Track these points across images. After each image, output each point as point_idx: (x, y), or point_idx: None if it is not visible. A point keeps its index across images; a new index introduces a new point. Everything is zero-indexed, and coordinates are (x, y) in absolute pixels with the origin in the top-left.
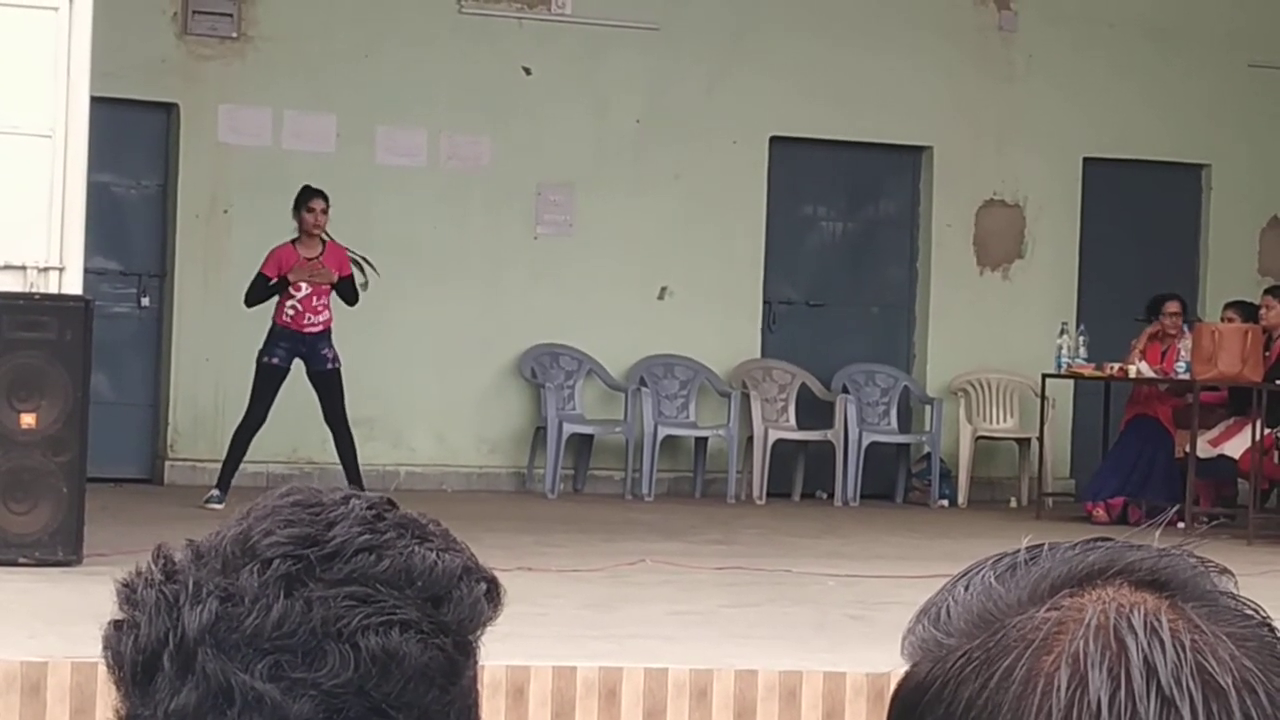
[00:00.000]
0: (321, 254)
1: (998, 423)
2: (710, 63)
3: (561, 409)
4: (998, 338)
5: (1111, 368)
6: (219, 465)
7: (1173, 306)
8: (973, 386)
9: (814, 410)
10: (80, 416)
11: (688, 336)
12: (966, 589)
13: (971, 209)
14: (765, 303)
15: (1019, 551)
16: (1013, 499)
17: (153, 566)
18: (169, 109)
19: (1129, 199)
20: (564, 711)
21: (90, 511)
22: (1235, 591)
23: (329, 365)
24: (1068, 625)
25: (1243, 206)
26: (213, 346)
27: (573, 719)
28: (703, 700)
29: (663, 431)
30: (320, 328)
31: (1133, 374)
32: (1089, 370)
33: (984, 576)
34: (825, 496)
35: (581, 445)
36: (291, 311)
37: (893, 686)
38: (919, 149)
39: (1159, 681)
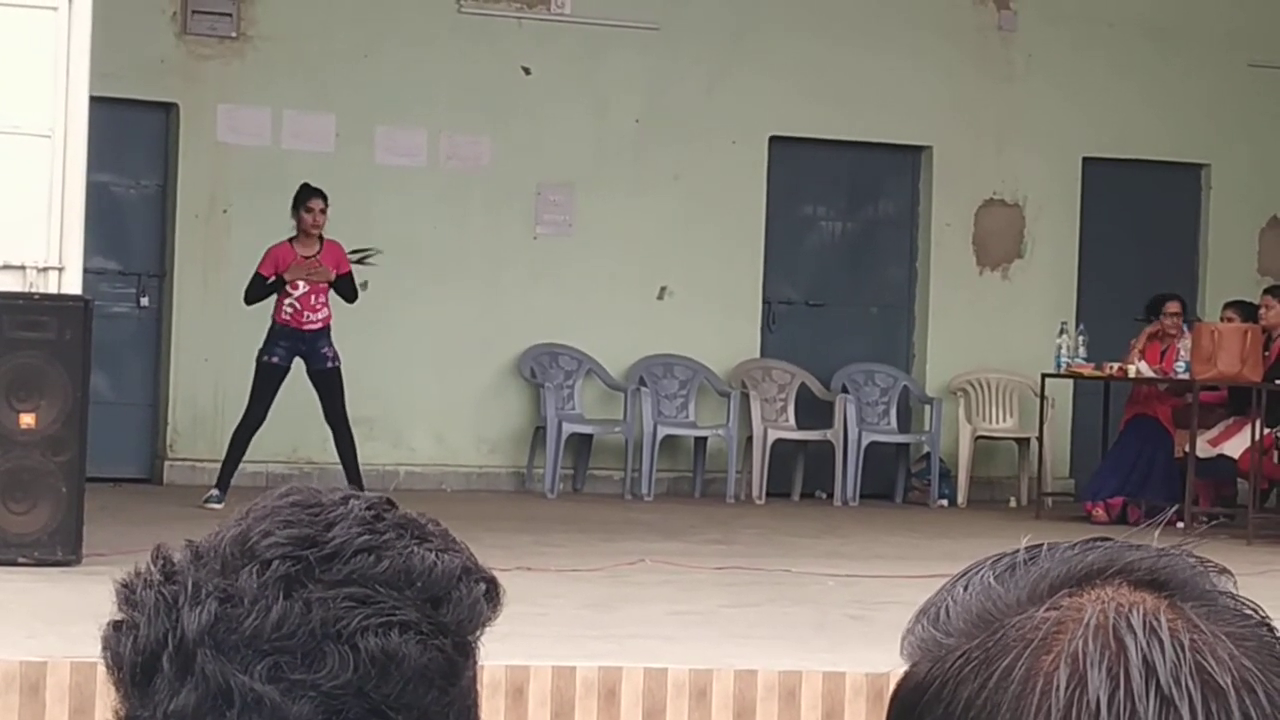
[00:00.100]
0: (319, 252)
1: (997, 422)
2: (710, 63)
3: (561, 409)
4: (997, 337)
5: (1111, 367)
6: (218, 465)
7: (1173, 306)
8: (972, 386)
9: (813, 410)
10: (80, 416)
11: (687, 336)
12: (965, 589)
13: (971, 209)
14: (765, 302)
15: (1018, 551)
16: (1012, 499)
17: (152, 567)
18: (168, 109)
19: (1128, 199)
20: (563, 711)
21: (89, 511)
22: (1234, 591)
23: (329, 364)
24: (1067, 625)
25: (1242, 206)
26: (212, 346)
27: (572, 719)
28: (702, 700)
29: (662, 431)
30: (319, 325)
31: (1132, 374)
32: (1088, 370)
33: (983, 576)
34: (825, 496)
35: (581, 445)
36: (290, 309)
37: (892, 686)
38: (918, 149)
39: (1158, 681)
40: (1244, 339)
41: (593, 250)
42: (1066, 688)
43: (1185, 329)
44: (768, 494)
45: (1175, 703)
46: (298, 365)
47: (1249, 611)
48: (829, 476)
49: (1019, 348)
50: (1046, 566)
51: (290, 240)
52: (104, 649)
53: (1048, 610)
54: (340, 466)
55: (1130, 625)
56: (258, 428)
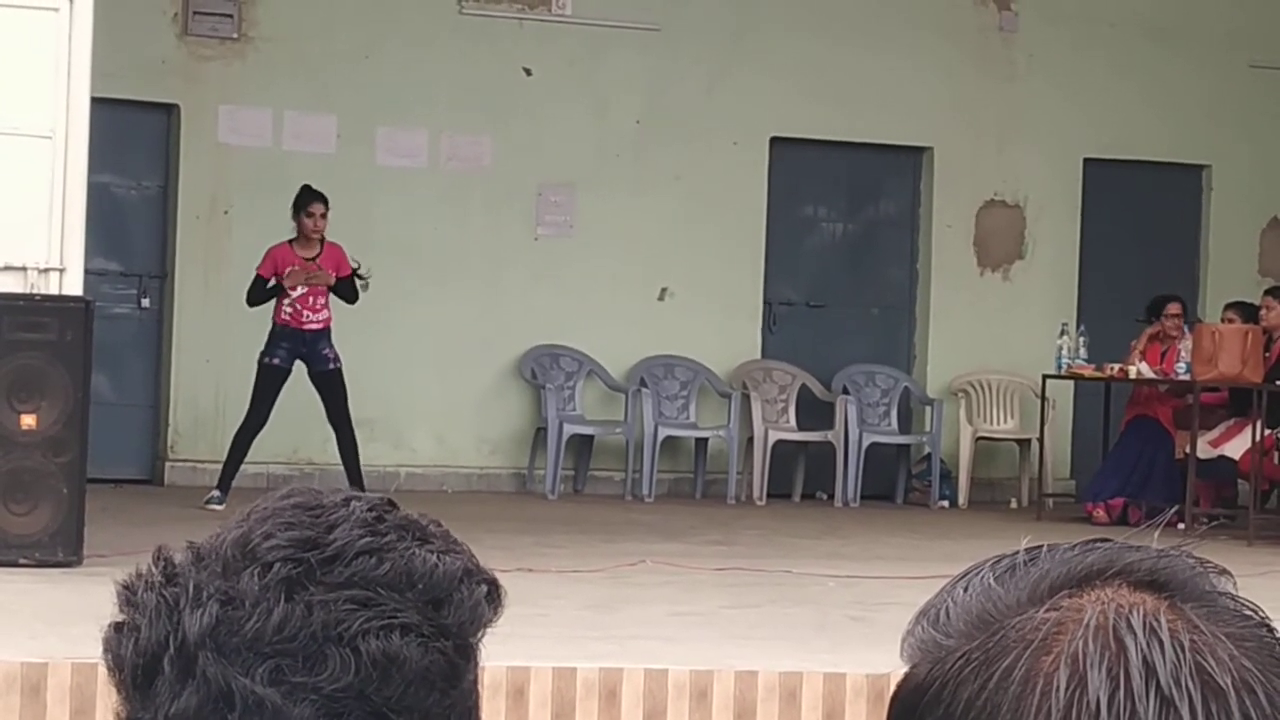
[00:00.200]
0: (319, 254)
1: (998, 423)
2: (710, 63)
3: (562, 410)
4: (998, 338)
5: (1112, 368)
6: (219, 466)
7: (1174, 308)
8: (973, 387)
9: (814, 411)
10: (80, 417)
11: (688, 337)
12: (965, 590)
13: (972, 209)
14: (765, 303)
15: (1018, 553)
16: (1013, 500)
17: (153, 569)
18: (169, 110)
19: (1129, 199)
20: (564, 712)
21: (90, 512)
22: (1234, 592)
23: (330, 365)
24: (1067, 626)
25: (1243, 207)
26: (213, 347)
27: None
28: (703, 701)
29: (663, 432)
30: (320, 325)
31: (1133, 375)
32: (1089, 371)
33: (983, 578)
34: (825, 497)
35: (582, 446)
36: (290, 309)
37: (893, 688)
38: (919, 149)
39: (1158, 682)
40: (1245, 340)
41: (593, 251)
42: (1067, 688)
43: (1186, 330)
44: (768, 495)
45: (1175, 703)
46: (299, 367)
47: (1249, 612)
48: (830, 477)
49: (1020, 349)
50: (1046, 567)
51: (290, 241)
52: (105, 651)
53: (1048, 611)
54: (341, 467)
55: (1130, 626)
56: (259, 429)
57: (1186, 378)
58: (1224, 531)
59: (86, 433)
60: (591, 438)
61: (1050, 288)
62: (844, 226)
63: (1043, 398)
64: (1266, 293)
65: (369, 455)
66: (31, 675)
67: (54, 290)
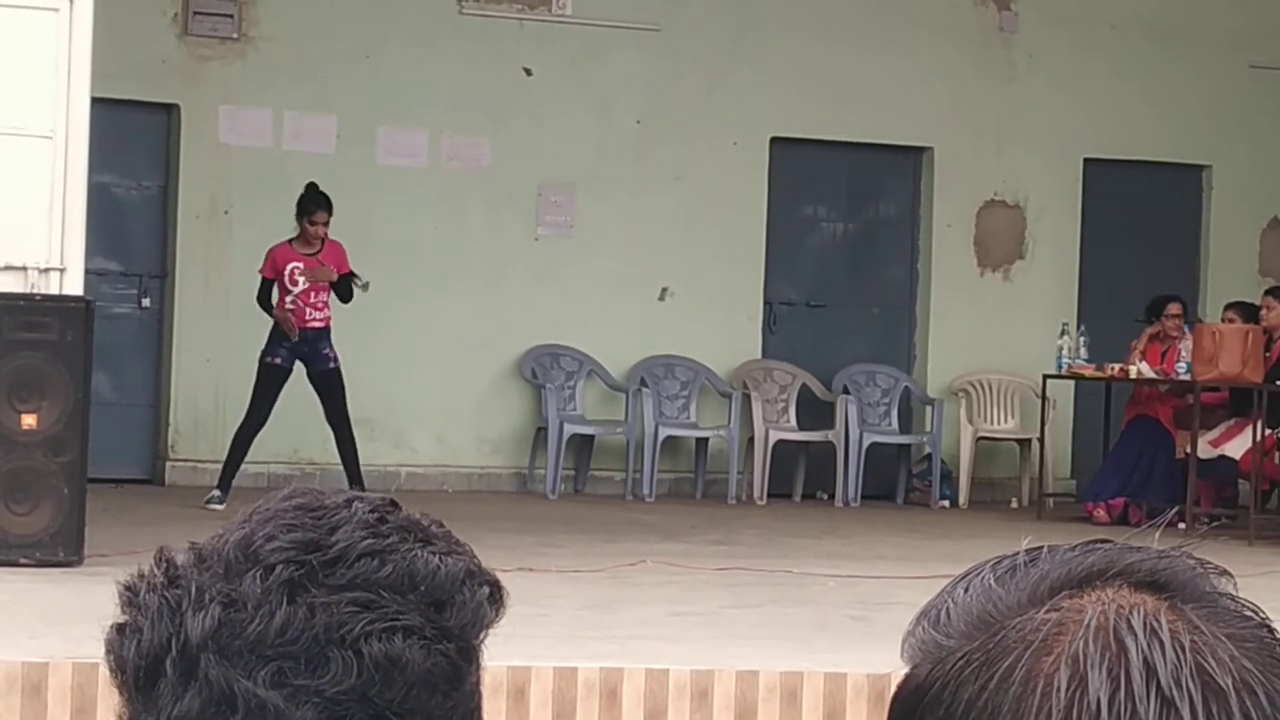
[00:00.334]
0: (319, 251)
1: (998, 423)
2: (710, 63)
3: (562, 409)
4: (998, 338)
5: (1112, 368)
6: (220, 466)
7: (1174, 308)
8: (973, 387)
9: (815, 411)
10: (81, 417)
11: (688, 337)
12: (966, 591)
13: (972, 210)
14: (766, 303)
15: (1018, 553)
16: (1014, 500)
17: (155, 570)
18: (169, 110)
19: (1129, 200)
20: (565, 712)
21: (91, 512)
22: (1234, 593)
23: (329, 365)
24: (1067, 626)
25: (1243, 207)
26: (213, 347)
27: None
28: (704, 701)
29: (663, 432)
30: (320, 324)
31: (1133, 375)
32: (1089, 371)
33: (983, 578)
34: (826, 497)
35: (582, 446)
36: (290, 307)
37: (893, 687)
38: (919, 150)
39: (1159, 682)
40: (1245, 340)
41: (594, 251)
42: (1067, 689)
43: (1186, 330)
44: (769, 495)
45: (1176, 704)
46: (299, 366)
47: (1249, 613)
48: (830, 477)
49: (1020, 349)
50: (1047, 568)
51: (290, 241)
52: (107, 652)
53: (1048, 612)
54: (342, 467)
55: (1131, 627)
56: (259, 429)
57: (1187, 378)
58: (1225, 531)
59: (87, 432)
60: (592, 437)
61: (1050, 288)
62: (844, 226)
63: (1043, 397)
64: (1267, 293)
65: (369, 455)
66: (32, 675)
67: (54, 290)
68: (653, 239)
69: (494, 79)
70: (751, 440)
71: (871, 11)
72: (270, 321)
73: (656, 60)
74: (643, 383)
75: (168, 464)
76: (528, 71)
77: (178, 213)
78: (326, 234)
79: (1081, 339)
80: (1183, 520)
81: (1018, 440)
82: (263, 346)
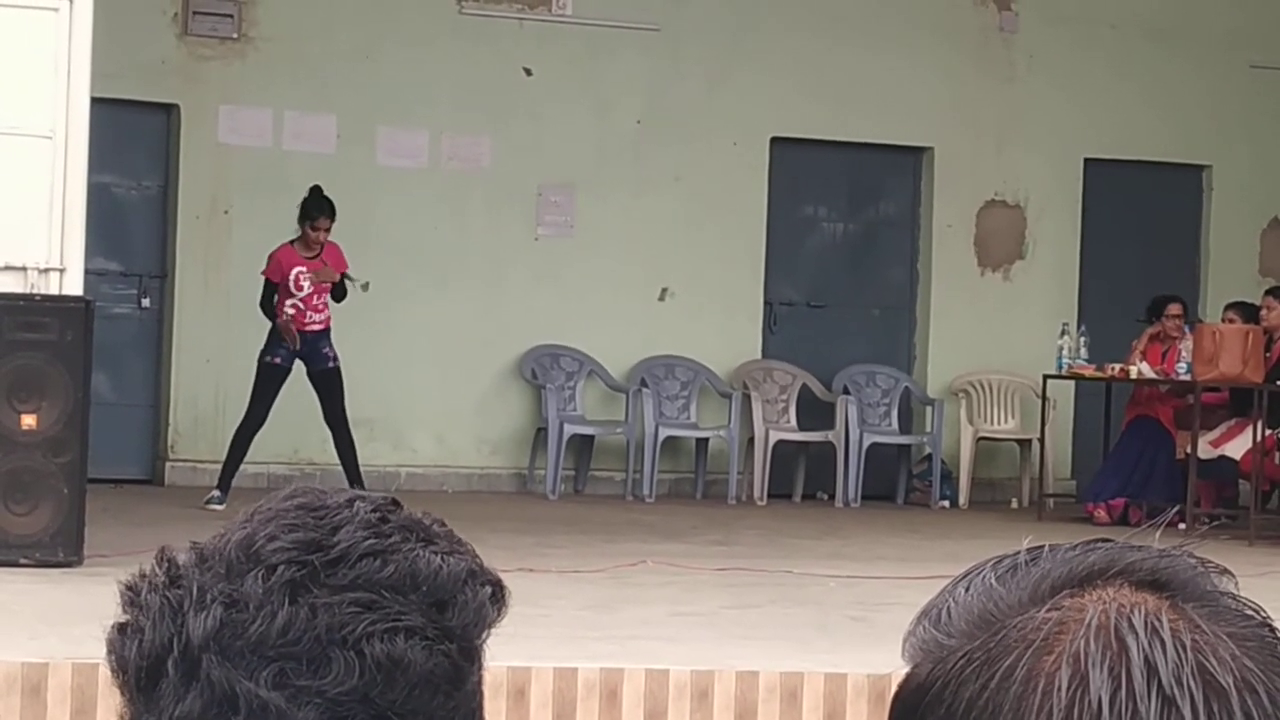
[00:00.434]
0: (320, 254)
1: (999, 424)
2: (711, 64)
3: (562, 410)
4: (999, 338)
5: (1112, 369)
6: (220, 466)
7: (1174, 309)
8: (974, 387)
9: (815, 411)
10: (81, 417)
11: (689, 337)
12: (967, 590)
13: (972, 210)
14: (766, 304)
15: (1019, 553)
16: (1014, 500)
17: (156, 570)
18: (169, 110)
19: (1130, 200)
20: (565, 713)
21: (91, 512)
22: (1235, 592)
23: (329, 364)
24: (1068, 625)
25: (1244, 207)
26: (213, 347)
27: None
28: (704, 701)
29: (664, 432)
30: (320, 326)
31: (1134, 375)
32: (1090, 371)
33: (984, 578)
34: (826, 497)
35: (582, 446)
36: (292, 310)
37: (894, 688)
38: (920, 150)
39: (1160, 681)
40: (1245, 340)
41: (594, 251)
42: (1068, 688)
43: (1187, 330)
44: (769, 495)
45: (1177, 703)
46: (299, 367)
47: (1250, 612)
48: (830, 478)
49: (1020, 349)
50: (1048, 567)
51: (292, 243)
52: (109, 652)
53: (1049, 611)
54: (341, 468)
55: (1132, 625)
56: (259, 428)
57: (1187, 378)
58: (1225, 531)
59: (87, 433)
60: (592, 438)
61: (1051, 288)
62: (844, 227)
63: (1043, 398)
64: (1267, 293)
65: (369, 455)
66: (32, 676)
67: (54, 290)
68: (653, 239)
69: (494, 79)
70: (752, 440)
71: (872, 11)
72: (269, 322)
73: (657, 60)
74: (643, 383)
75: (167, 464)
76: (528, 71)
77: (177, 213)
78: (327, 240)
79: (1082, 339)
80: (1183, 520)
81: (1018, 440)
82: (262, 346)
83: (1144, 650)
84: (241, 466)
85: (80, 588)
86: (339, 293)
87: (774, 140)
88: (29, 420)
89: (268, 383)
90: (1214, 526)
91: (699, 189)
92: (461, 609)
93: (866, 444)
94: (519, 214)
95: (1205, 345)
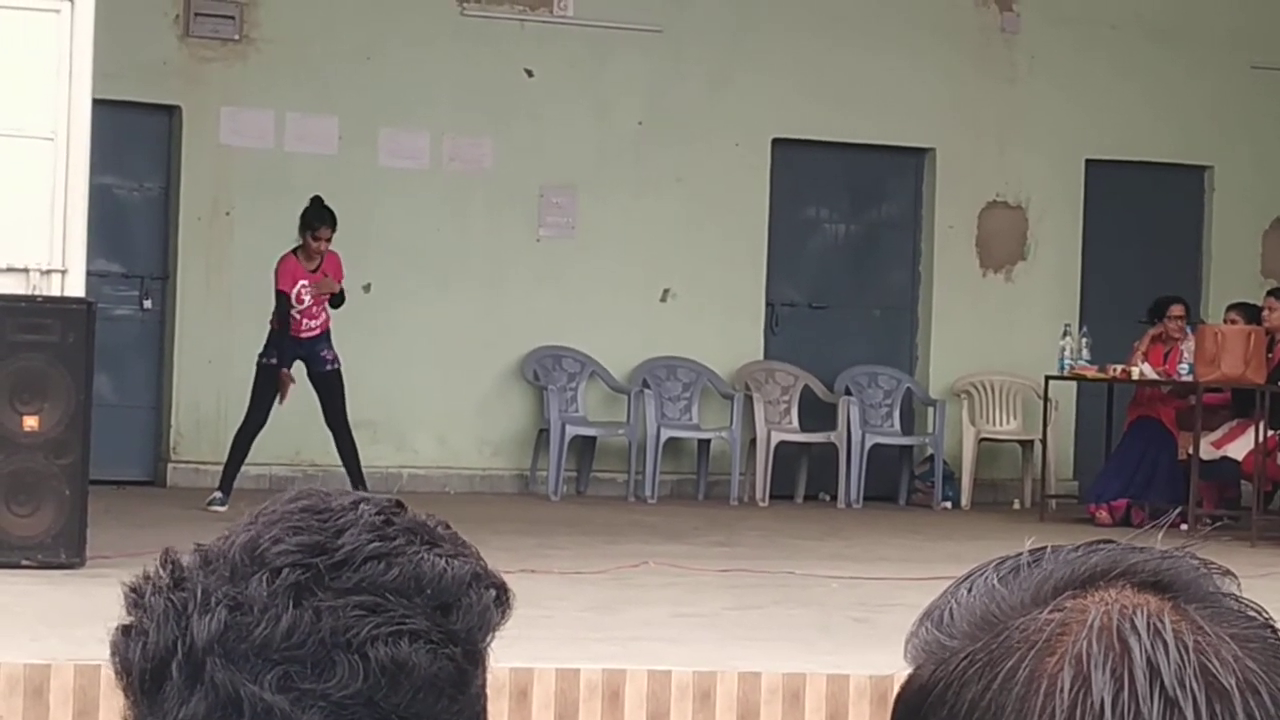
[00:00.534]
0: (320, 264)
1: (1001, 424)
2: (712, 65)
3: (564, 411)
4: (1000, 339)
5: (1114, 369)
6: (221, 467)
7: (1177, 310)
8: (975, 388)
9: (817, 412)
10: (83, 419)
11: (690, 338)
12: (969, 591)
13: (974, 211)
14: (768, 305)
15: (1021, 554)
16: (1016, 501)
17: (160, 572)
18: (171, 111)
19: (1132, 201)
20: (567, 714)
21: (93, 514)
22: (1238, 593)
23: (329, 366)
24: (1071, 626)
25: (1245, 208)
26: (215, 349)
27: None
28: (706, 702)
29: (665, 433)
30: (318, 331)
31: (1135, 376)
32: (1092, 372)
33: (987, 579)
34: (828, 498)
35: (584, 447)
36: (292, 318)
37: (896, 689)
38: (921, 151)
39: (1162, 682)
40: (1247, 341)
41: (595, 252)
42: (1071, 689)
43: (1188, 331)
44: (771, 496)
45: (1179, 704)
46: (299, 369)
47: (1253, 613)
48: (832, 479)
49: (1022, 350)
50: (1050, 569)
51: (295, 251)
52: (112, 654)
53: (1052, 612)
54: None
55: (1134, 627)
56: (259, 430)
57: (1189, 379)
58: (1227, 533)
59: (89, 434)
60: (594, 439)
61: (1052, 289)
62: (846, 228)
63: (1045, 399)
64: (1269, 293)
65: (371, 457)
66: (34, 677)
67: (56, 292)
68: (654, 240)
69: (495, 80)
70: (753, 441)
71: (873, 12)
72: (268, 324)
73: (658, 61)
74: (645, 384)
75: (169, 466)
76: (529, 73)
77: (179, 214)
78: (328, 249)
79: (1084, 340)
80: (1185, 521)
81: (1020, 441)
82: (261, 348)
83: (1146, 651)
84: (243, 468)
85: (82, 589)
86: (337, 301)
87: (775, 141)
88: (31, 422)
89: (267, 385)
90: (1216, 527)
91: (700, 190)
92: (466, 612)
93: (868, 445)
94: (520, 215)
95: (1207, 346)
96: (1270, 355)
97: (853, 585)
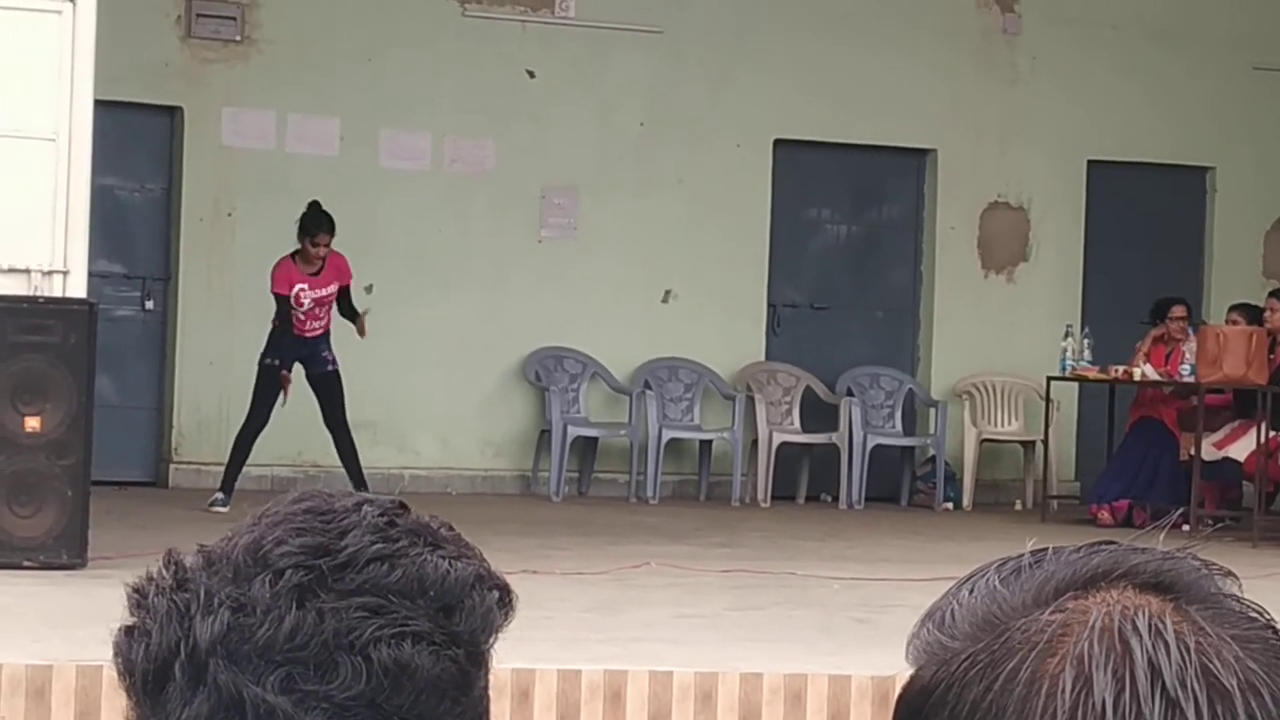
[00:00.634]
0: (321, 269)
1: (1002, 425)
2: (713, 66)
3: (566, 412)
4: (1002, 340)
5: (1116, 370)
6: (223, 468)
7: (1178, 310)
8: (977, 389)
9: (818, 413)
10: (84, 420)
11: (692, 339)
12: (971, 593)
13: (976, 212)
14: (769, 305)
15: (1022, 555)
16: (1018, 502)
17: (164, 572)
18: (172, 112)
19: (1133, 201)
20: (569, 714)
21: (95, 515)
22: (1239, 594)
23: (328, 367)
24: (1072, 627)
25: (1247, 209)
26: (216, 349)
27: None
28: (708, 703)
29: (667, 434)
30: (320, 331)
31: (1137, 377)
32: (1093, 373)
33: (988, 580)
34: (830, 499)
35: (586, 448)
36: (296, 318)
37: (898, 690)
38: (923, 152)
39: (1164, 683)
40: (1249, 342)
41: (597, 253)
42: (1072, 690)
43: (1190, 332)
44: (773, 497)
45: (1181, 705)
46: (300, 368)
47: (1254, 614)
48: (834, 479)
49: (1024, 350)
50: (1051, 570)
51: (294, 255)
52: (115, 655)
53: (1053, 613)
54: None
55: (1136, 628)
56: (260, 431)
57: (1191, 379)
58: (1229, 533)
59: (90, 435)
60: (596, 440)
61: (1054, 290)
62: (848, 228)
63: (1047, 399)
64: (1271, 294)
65: (373, 458)
66: (36, 678)
67: (58, 293)
68: (656, 241)
69: (497, 81)
70: (755, 442)
71: (874, 13)
72: (270, 326)
73: (659, 62)
74: (646, 385)
75: (171, 466)
76: (531, 74)
77: (181, 215)
78: (328, 254)
79: (1085, 341)
80: (1187, 522)
81: (1022, 442)
82: (262, 349)
83: (1148, 652)
84: (245, 469)
85: (84, 590)
86: (345, 307)
87: (777, 142)
88: (33, 423)
89: (268, 385)
90: (1218, 528)
91: (702, 191)
92: (469, 614)
93: (870, 446)
94: (522, 216)
95: (1209, 347)
96: (1272, 356)
97: (854, 586)
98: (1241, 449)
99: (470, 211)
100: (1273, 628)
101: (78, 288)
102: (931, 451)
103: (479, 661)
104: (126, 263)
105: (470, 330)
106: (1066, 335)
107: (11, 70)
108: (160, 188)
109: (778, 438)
